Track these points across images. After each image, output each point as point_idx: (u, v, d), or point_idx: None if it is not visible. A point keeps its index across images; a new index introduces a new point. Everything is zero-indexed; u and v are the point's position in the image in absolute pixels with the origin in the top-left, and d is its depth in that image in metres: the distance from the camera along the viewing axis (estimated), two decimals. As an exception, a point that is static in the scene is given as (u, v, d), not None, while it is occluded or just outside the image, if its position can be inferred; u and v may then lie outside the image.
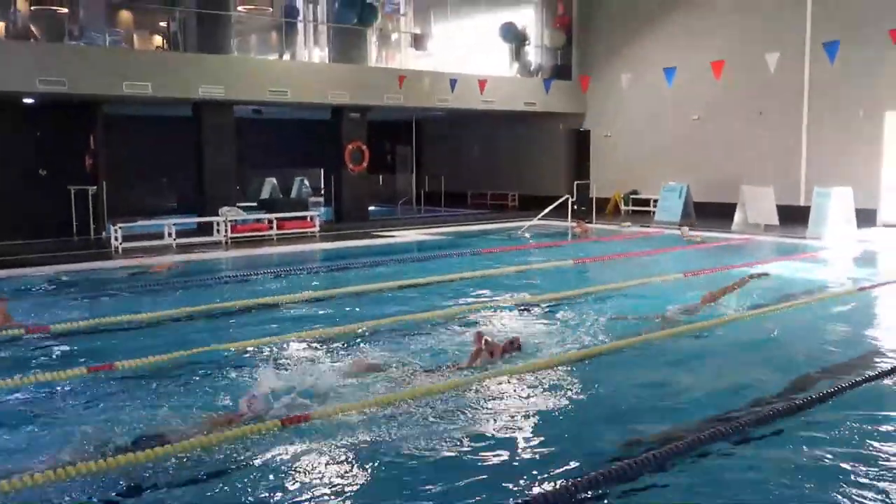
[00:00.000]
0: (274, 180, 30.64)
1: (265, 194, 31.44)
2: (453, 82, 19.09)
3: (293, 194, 29.17)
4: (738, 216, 19.13)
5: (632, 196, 23.80)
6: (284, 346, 7.94)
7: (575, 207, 21.53)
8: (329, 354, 7.64)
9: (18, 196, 18.94)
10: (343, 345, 8.02)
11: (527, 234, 18.71)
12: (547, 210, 19.69)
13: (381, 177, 30.71)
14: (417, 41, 22.72)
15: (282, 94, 19.00)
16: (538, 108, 24.02)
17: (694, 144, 22.49)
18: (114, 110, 19.32)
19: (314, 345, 8.01)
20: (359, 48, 21.34)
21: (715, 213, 20.57)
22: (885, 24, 17.63)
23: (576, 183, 21.22)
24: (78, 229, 18.52)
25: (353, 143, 21.25)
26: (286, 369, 7.01)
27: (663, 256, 14.95)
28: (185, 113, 19.33)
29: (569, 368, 7.18)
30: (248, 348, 7.79)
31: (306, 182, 30.09)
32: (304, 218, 18.40)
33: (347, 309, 9.94)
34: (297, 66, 20.33)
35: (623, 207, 23.89)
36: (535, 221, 19.53)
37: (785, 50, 19.54)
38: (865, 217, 18.65)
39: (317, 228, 18.35)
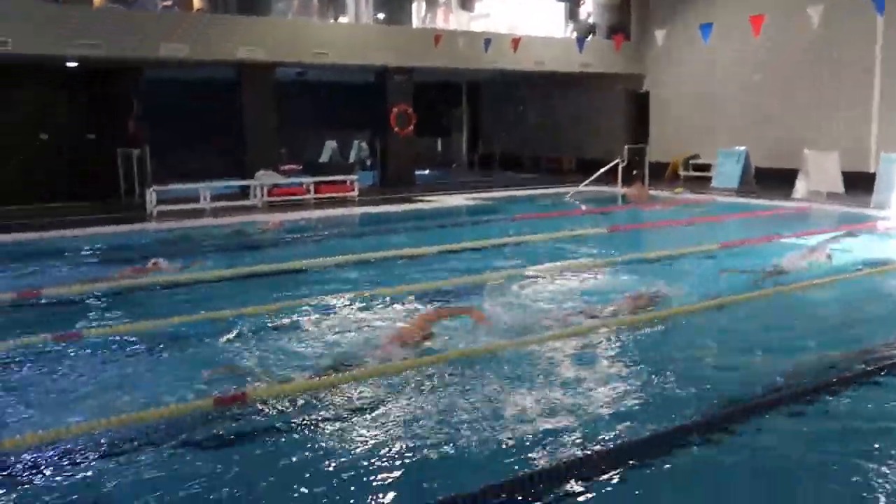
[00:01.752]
0: (335, 143, 30.48)
1: (325, 157, 31.41)
2: (487, 42, 18.37)
3: (352, 157, 29.02)
4: (799, 183, 17.99)
5: (691, 161, 22.73)
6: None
7: (634, 172, 20.70)
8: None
9: (69, 160, 19.25)
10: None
11: (573, 200, 18.03)
12: (596, 175, 18.94)
13: (437, 140, 30.31)
14: (465, 1, 21.94)
15: (323, 56, 18.65)
16: (594, 70, 23.10)
17: (756, 106, 21.25)
18: (157, 74, 19.31)
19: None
20: (404, 9, 20.80)
21: (778, 180, 19.40)
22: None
23: (626, 147, 20.30)
24: (126, 192, 18.69)
25: (398, 105, 20.81)
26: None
27: (705, 226, 14.11)
28: (230, 76, 19.19)
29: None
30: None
31: (364, 145, 29.88)
32: (344, 182, 18.10)
33: (349, 277, 9.60)
34: (340, 28, 19.91)
35: (682, 173, 22.85)
36: (581, 187, 18.81)
37: (856, 5, 18.22)
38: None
39: (356, 193, 18.04)
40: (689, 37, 21.74)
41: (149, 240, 13.01)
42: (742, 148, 19.73)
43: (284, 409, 5.14)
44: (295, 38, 18.40)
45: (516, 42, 18.02)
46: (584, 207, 16.85)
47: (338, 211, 16.13)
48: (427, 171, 27.20)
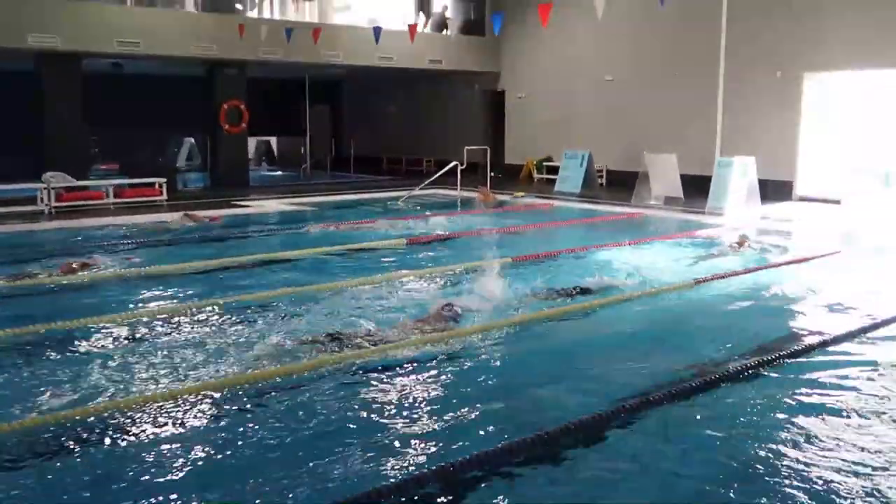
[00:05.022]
0: (192, 141, 28.67)
1: (182, 158, 29.60)
2: (288, 32, 17.03)
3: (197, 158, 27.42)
4: (639, 187, 17.35)
5: (545, 163, 21.95)
6: None
7: (491, 174, 19.86)
8: None
9: None
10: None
11: (405, 205, 16.90)
12: (432, 178, 17.92)
13: (301, 139, 28.85)
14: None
15: (133, 46, 16.99)
16: (445, 67, 22.08)
17: (609, 107, 20.61)
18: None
19: None
20: (237, -4, 19.33)
21: (630, 183, 18.70)
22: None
23: (466, 149, 19.32)
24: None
25: (229, 101, 19.30)
26: None
27: (522, 235, 13.15)
28: (29, 66, 17.36)
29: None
30: None
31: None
32: (152, 185, 16.50)
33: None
34: (154, 14, 18.17)
35: (536, 175, 22.05)
36: (417, 191, 17.73)
37: (702, 7, 17.81)
38: (781, 190, 16.98)
39: (164, 196, 16.46)
40: (544, 35, 21.04)
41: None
42: (585, 151, 18.98)
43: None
44: (98, 25, 16.70)
45: (317, 33, 16.71)
46: (396, 216, 15.36)
47: (133, 218, 14.49)
48: (279, 172, 25.79)
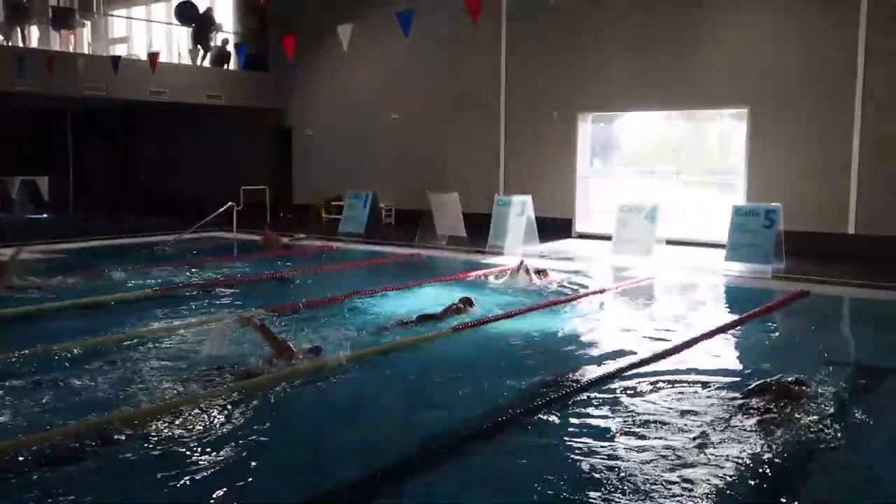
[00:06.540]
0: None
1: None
2: (21, 61, 15.51)
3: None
4: (423, 227, 17.04)
5: (334, 203, 21.27)
6: None
7: (281, 215, 18.85)
8: None
9: None
10: None
11: (170, 249, 15.61)
12: (207, 219, 16.75)
13: (76, 179, 26.60)
14: (61, 17, 18.62)
15: None
16: (226, 102, 20.99)
17: (395, 147, 20.32)
18: None
19: None
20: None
21: (417, 223, 18.32)
22: (586, 26, 16.30)
23: (242, 188, 18.34)
24: None
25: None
26: None
27: (295, 280, 12.35)
28: None
29: None
30: None
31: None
32: None
33: None
34: None
35: (325, 215, 21.31)
36: (188, 234, 16.49)
37: (480, 48, 18.03)
38: (561, 227, 17.25)
39: None
40: (330, 71, 20.56)
41: None
42: (369, 191, 18.54)
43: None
44: None
45: (50, 62, 15.25)
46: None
47: None
48: (45, 216, 23.53)
